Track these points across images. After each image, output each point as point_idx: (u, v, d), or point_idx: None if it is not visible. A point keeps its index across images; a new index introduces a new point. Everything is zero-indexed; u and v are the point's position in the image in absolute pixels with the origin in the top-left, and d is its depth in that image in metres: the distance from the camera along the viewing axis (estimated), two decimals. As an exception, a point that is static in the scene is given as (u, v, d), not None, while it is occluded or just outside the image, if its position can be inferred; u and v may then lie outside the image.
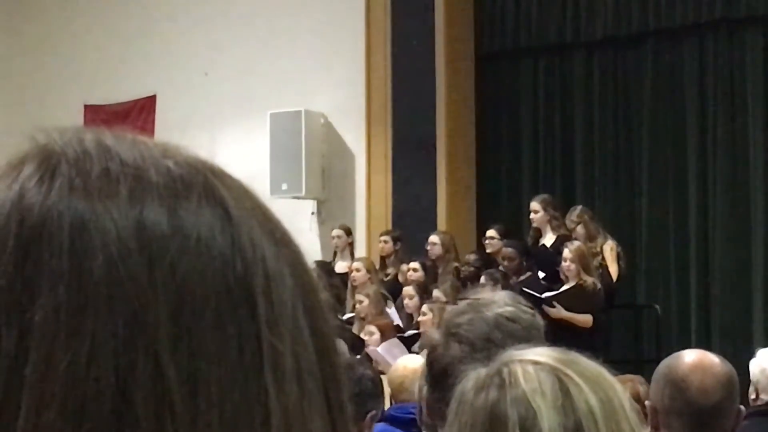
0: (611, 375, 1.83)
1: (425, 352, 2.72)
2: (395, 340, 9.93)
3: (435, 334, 2.66)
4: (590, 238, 10.97)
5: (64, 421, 0.67)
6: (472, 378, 1.84)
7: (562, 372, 1.77)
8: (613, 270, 10.97)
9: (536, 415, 1.73)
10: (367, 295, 10.76)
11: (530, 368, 1.78)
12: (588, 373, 1.78)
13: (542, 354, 1.81)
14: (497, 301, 2.67)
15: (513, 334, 2.57)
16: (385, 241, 11.95)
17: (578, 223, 11.05)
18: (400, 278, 11.46)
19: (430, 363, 2.64)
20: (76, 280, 0.69)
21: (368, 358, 9.23)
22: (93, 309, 0.69)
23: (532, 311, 2.70)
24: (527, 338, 2.60)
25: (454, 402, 1.84)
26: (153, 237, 0.71)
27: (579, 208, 11.27)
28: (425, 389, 2.67)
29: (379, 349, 9.65)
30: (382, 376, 5.26)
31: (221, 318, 0.71)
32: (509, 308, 2.64)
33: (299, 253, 0.77)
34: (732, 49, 12.11)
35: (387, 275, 11.67)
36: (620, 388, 1.81)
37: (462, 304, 2.71)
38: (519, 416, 1.74)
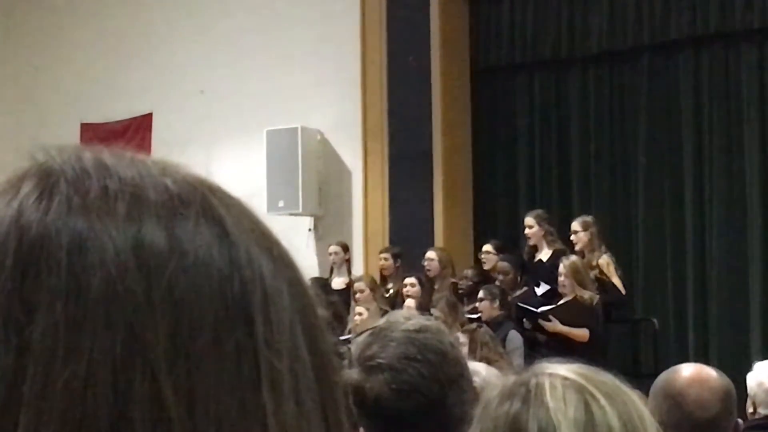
0: (639, 398, 1.83)
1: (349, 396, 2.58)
2: None
3: (353, 374, 2.55)
4: (590, 249, 10.94)
5: (62, 439, 0.68)
6: (499, 386, 1.84)
7: (588, 391, 1.76)
8: (617, 282, 10.91)
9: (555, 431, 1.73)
10: (368, 309, 10.72)
11: (558, 384, 1.77)
12: (615, 396, 1.78)
13: (573, 370, 1.81)
14: (397, 320, 2.63)
15: (426, 343, 2.56)
16: (386, 259, 11.94)
17: (584, 230, 10.95)
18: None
19: (359, 403, 2.53)
20: (74, 298, 0.69)
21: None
22: (91, 327, 0.69)
23: (433, 316, 2.68)
24: (442, 341, 2.61)
25: (480, 407, 1.84)
26: (151, 255, 0.71)
27: (590, 217, 11.19)
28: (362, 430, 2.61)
29: None
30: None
31: (219, 336, 0.71)
32: (412, 321, 2.62)
33: (298, 272, 0.77)
34: (727, 63, 12.13)
35: (388, 291, 11.65)
36: (648, 414, 1.80)
37: (364, 336, 2.64)
38: (539, 430, 1.74)
